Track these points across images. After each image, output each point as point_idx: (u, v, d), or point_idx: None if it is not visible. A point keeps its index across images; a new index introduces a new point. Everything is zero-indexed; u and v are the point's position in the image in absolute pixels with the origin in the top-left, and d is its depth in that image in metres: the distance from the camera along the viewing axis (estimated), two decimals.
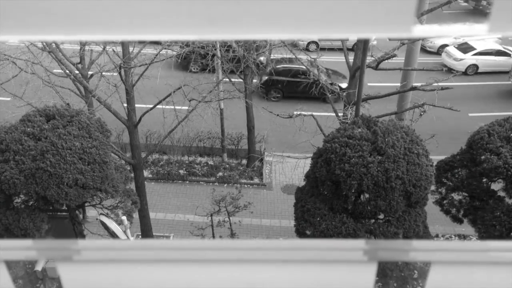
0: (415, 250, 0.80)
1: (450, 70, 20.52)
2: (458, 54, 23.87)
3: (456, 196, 9.80)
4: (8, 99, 12.32)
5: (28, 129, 8.60)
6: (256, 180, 15.88)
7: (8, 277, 0.86)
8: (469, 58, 23.63)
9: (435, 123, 13.80)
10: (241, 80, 14.80)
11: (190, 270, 0.84)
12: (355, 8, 0.61)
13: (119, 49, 11.38)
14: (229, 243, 0.81)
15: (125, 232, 9.73)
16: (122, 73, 10.77)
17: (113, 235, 9.64)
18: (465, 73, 23.16)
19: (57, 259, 0.82)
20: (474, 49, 23.70)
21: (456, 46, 24.63)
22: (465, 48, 24.06)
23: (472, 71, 23.55)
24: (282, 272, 0.84)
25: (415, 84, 12.32)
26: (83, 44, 12.78)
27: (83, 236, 10.52)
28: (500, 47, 24.01)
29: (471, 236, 12.91)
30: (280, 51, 14.39)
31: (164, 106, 11.06)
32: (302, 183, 9.85)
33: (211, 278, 0.85)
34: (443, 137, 13.92)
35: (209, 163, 16.62)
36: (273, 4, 0.61)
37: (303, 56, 12.94)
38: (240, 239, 12.47)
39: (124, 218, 9.77)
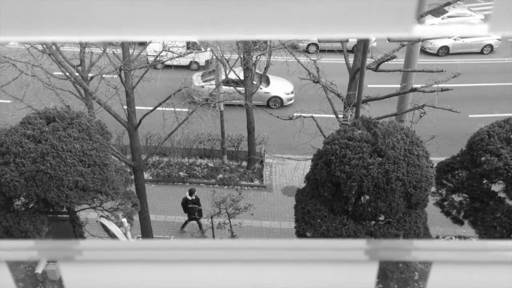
0: (416, 249, 0.80)
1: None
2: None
3: (457, 198, 9.80)
4: (9, 101, 12.32)
5: (29, 131, 8.59)
6: (257, 182, 15.86)
7: (10, 278, 0.86)
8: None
9: (435, 124, 13.79)
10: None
11: (191, 270, 0.84)
12: (355, 9, 0.61)
13: (119, 51, 11.39)
14: (229, 243, 0.81)
15: (125, 234, 9.73)
16: (122, 75, 10.77)
17: (113, 237, 9.63)
18: (436, 54, 24.90)
19: (59, 259, 0.82)
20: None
21: None
22: None
23: (443, 52, 25.14)
24: (284, 272, 0.84)
25: (415, 86, 12.32)
26: (83, 46, 12.80)
27: (83, 238, 10.52)
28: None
29: (471, 238, 12.90)
30: (280, 52, 14.38)
31: (164, 108, 11.06)
32: (302, 185, 9.84)
33: (212, 278, 0.85)
34: (443, 139, 13.92)
35: (209, 165, 16.61)
36: (273, 5, 0.61)
37: (302, 58, 12.94)
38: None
39: (124, 220, 9.76)
